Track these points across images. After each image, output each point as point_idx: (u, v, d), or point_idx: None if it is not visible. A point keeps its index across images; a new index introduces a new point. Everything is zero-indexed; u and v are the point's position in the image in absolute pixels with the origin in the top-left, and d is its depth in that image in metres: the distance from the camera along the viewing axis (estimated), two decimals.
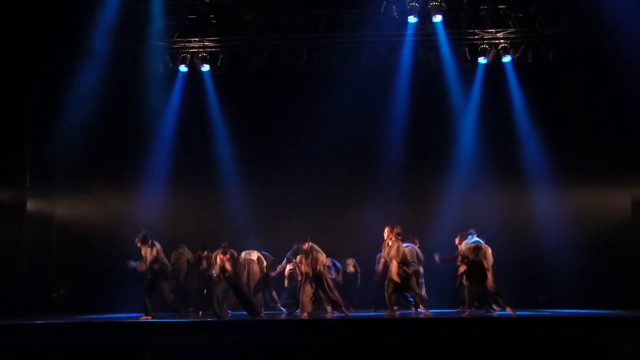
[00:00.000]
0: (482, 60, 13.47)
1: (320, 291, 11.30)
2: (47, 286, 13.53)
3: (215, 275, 11.43)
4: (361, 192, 14.24)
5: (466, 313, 11.24)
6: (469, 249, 11.11)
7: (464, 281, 11.53)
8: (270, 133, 14.58)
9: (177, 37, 13.50)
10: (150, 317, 11.26)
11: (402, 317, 11.25)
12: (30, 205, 13.14)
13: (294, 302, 12.35)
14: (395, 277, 10.71)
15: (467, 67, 13.79)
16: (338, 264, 12.80)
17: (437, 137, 14.35)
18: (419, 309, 11.51)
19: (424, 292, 12.09)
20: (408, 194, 14.10)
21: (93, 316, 11.94)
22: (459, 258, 11.37)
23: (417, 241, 12.43)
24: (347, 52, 13.56)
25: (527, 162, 13.97)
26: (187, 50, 13.66)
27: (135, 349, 9.25)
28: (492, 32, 13.22)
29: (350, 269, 13.19)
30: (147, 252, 11.45)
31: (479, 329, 9.93)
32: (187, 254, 12.79)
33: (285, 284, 12.84)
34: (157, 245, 11.57)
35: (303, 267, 11.26)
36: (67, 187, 14.28)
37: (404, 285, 10.89)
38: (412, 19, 12.63)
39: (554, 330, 9.81)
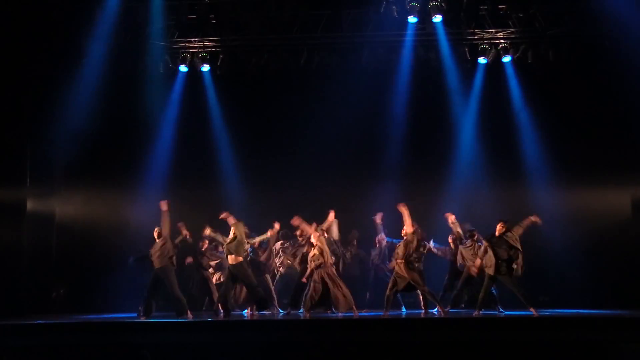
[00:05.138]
0: (482, 60, 13.47)
1: None
2: (47, 286, 13.53)
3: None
4: (361, 192, 14.22)
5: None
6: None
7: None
8: (270, 133, 14.59)
9: (177, 37, 13.50)
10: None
11: (403, 317, 11.25)
12: (30, 205, 13.15)
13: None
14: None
15: (467, 67, 13.79)
16: None
17: (437, 137, 14.36)
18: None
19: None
20: (408, 193, 14.04)
21: (93, 316, 11.94)
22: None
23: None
24: (347, 52, 13.55)
25: (527, 162, 13.98)
26: (187, 50, 13.66)
27: (135, 349, 9.26)
28: (492, 32, 13.22)
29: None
30: None
31: (479, 329, 9.93)
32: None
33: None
34: None
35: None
36: (67, 187, 14.28)
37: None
38: (412, 19, 12.61)
39: (554, 330, 9.80)
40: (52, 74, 13.26)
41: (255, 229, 13.31)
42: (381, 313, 11.01)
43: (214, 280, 12.64)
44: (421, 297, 11.85)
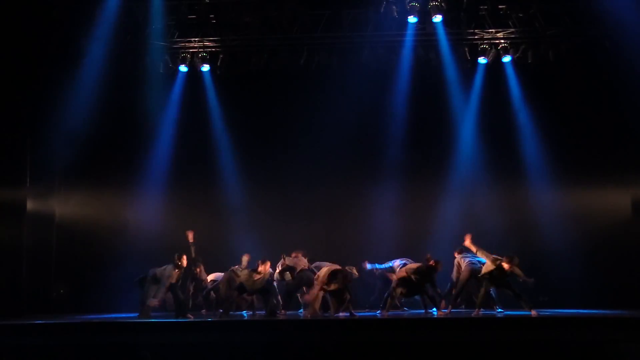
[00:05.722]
0: (482, 60, 13.48)
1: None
2: (47, 286, 13.53)
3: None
4: (361, 192, 14.23)
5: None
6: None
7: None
8: (270, 133, 14.58)
9: (177, 37, 13.50)
10: None
11: (403, 317, 11.25)
12: (30, 205, 13.15)
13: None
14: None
15: (467, 67, 13.80)
16: None
17: (437, 137, 14.35)
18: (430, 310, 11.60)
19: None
20: (408, 194, 14.09)
21: (93, 316, 11.94)
22: None
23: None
24: (347, 52, 13.56)
25: (527, 162, 13.98)
26: (187, 50, 13.66)
27: (135, 349, 9.27)
28: (492, 32, 13.22)
29: None
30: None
31: (479, 329, 9.93)
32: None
33: None
34: None
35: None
36: (66, 187, 14.28)
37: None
38: (412, 19, 12.64)
39: (554, 330, 9.80)
40: (51, 74, 13.25)
41: (255, 228, 13.40)
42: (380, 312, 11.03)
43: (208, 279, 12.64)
44: (421, 298, 11.85)
